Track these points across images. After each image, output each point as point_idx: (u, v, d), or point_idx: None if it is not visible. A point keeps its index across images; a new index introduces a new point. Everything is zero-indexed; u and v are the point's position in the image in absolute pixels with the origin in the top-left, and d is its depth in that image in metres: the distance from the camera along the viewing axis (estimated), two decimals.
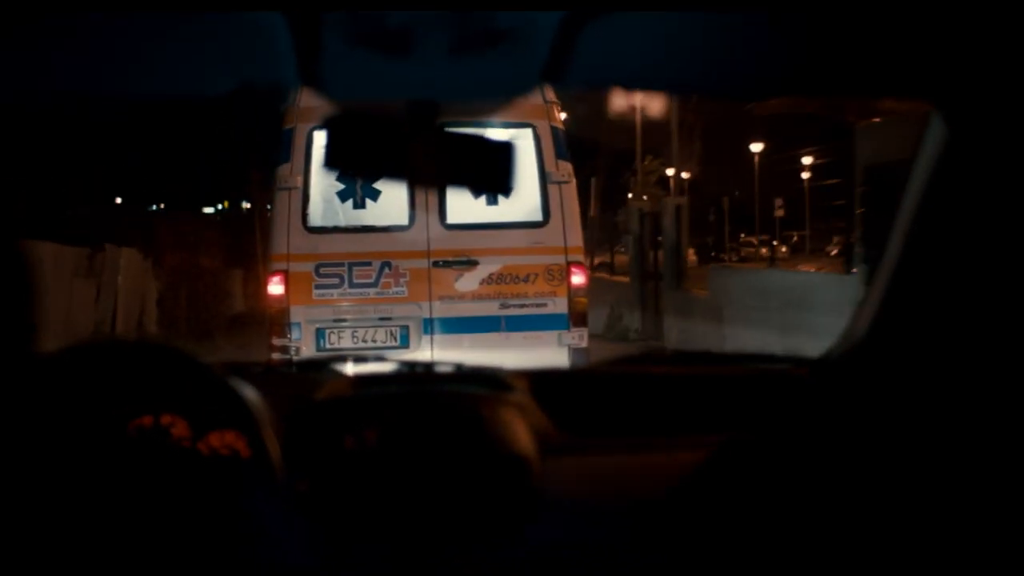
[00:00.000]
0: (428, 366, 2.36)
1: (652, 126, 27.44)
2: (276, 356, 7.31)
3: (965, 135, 1.66)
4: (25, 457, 1.53)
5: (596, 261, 24.45)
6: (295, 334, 7.37)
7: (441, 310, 7.48)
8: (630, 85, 1.69)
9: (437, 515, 1.73)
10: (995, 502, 1.52)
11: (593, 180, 24.96)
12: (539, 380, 2.03)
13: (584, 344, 7.53)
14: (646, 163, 29.50)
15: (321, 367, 2.32)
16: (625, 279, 19.90)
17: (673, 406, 2.01)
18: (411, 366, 2.34)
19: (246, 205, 36.14)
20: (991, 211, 1.67)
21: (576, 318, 7.54)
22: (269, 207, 7.75)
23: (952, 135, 1.68)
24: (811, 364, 2.11)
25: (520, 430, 1.80)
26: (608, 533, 1.74)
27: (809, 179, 48.25)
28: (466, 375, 2.13)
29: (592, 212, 24.09)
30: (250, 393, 1.71)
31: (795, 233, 55.87)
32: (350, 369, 2.21)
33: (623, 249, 23.15)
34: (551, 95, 7.55)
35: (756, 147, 42.42)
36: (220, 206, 38.66)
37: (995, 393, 1.64)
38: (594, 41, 1.29)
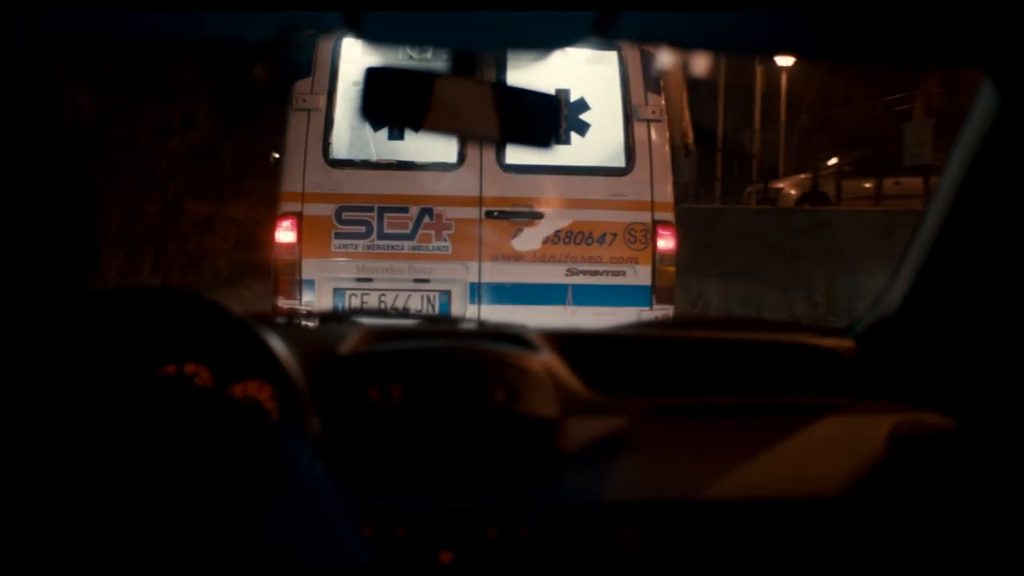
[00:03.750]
0: (452, 321, 2.38)
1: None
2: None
3: (1016, 104, 1.72)
4: (45, 406, 1.37)
5: None
6: (308, 295, 5.85)
7: (493, 273, 5.95)
8: (679, 42, 1.72)
9: (460, 470, 1.78)
10: None
11: None
12: (566, 340, 2.04)
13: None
14: None
15: (344, 319, 2.36)
16: None
17: (702, 370, 2.04)
18: (434, 321, 2.49)
19: None
20: None
21: (661, 292, 6.01)
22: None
23: (1003, 104, 1.74)
24: (847, 333, 2.12)
25: (544, 388, 1.84)
26: (632, 491, 1.81)
27: None
28: (491, 332, 2.14)
29: None
30: (277, 344, 1.73)
31: None
32: (374, 323, 2.19)
33: None
34: None
35: None
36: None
37: None
38: None
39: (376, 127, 5.86)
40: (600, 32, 1.37)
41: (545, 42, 1.51)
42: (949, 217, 1.90)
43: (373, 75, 1.51)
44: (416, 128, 1.55)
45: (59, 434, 1.41)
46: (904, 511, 1.80)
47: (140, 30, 1.57)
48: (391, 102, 1.53)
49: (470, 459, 1.79)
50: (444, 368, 1.85)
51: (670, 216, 6.04)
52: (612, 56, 5.97)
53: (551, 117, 1.64)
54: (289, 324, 2.23)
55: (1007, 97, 1.74)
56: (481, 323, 2.24)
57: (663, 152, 6.01)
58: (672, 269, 6.03)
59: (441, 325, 2.34)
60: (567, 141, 5.95)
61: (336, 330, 2.07)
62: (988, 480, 1.76)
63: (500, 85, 1.52)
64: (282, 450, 1.52)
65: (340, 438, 1.73)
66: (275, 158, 7.30)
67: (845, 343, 2.11)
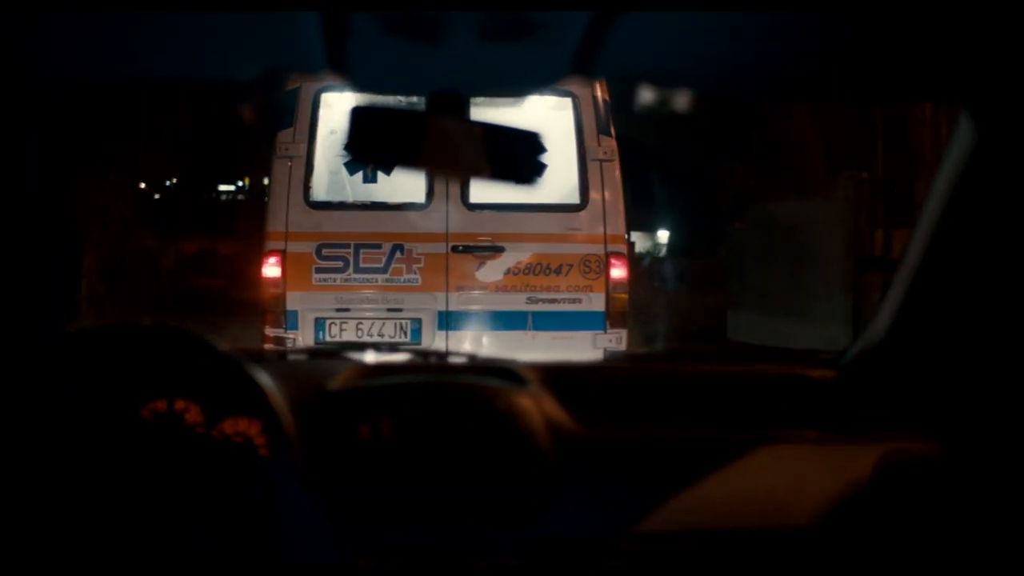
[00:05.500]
0: (442, 356, 2.37)
1: None
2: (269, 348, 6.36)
3: (994, 136, 1.73)
4: (38, 439, 1.52)
5: None
6: (291, 324, 6.41)
7: (459, 302, 6.51)
8: (660, 79, 1.68)
9: (450, 504, 1.78)
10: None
11: None
12: (554, 373, 2.04)
13: (622, 348, 6.55)
14: None
15: (335, 355, 2.31)
16: None
17: (688, 403, 2.03)
18: (425, 356, 2.40)
19: (267, 182, 35.38)
20: (1018, 211, 1.75)
21: (615, 318, 6.55)
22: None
23: (980, 136, 1.75)
24: (834, 364, 2.12)
25: (534, 422, 1.84)
26: (620, 523, 1.80)
27: None
28: (481, 366, 2.14)
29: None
30: (266, 380, 1.73)
31: None
32: (364, 358, 2.20)
33: None
34: None
35: None
36: (240, 183, 37.87)
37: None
38: (625, 33, 1.27)
39: (357, 167, 6.45)
40: (580, 71, 1.38)
41: (527, 81, 1.51)
42: (931, 247, 1.91)
43: (358, 114, 1.51)
44: (402, 165, 1.58)
45: (43, 468, 1.48)
46: (890, 540, 1.79)
47: (124, 71, 1.56)
48: (376, 141, 1.54)
49: (460, 493, 1.78)
50: (434, 403, 1.85)
51: (622, 248, 6.59)
52: (567, 102, 6.54)
53: (535, 154, 1.63)
54: (279, 359, 2.26)
55: (984, 130, 1.75)
56: (471, 357, 2.27)
57: (615, 189, 6.57)
58: (625, 296, 6.57)
59: (431, 360, 2.32)
60: None
61: (326, 365, 2.09)
62: (974, 508, 1.76)
63: (485, 124, 1.53)
64: (269, 486, 1.57)
65: (331, 473, 1.73)
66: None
67: (833, 373, 2.11)
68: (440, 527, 1.78)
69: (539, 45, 1.29)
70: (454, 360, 2.28)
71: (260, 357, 1.94)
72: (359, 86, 1.44)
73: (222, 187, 37.00)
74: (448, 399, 1.86)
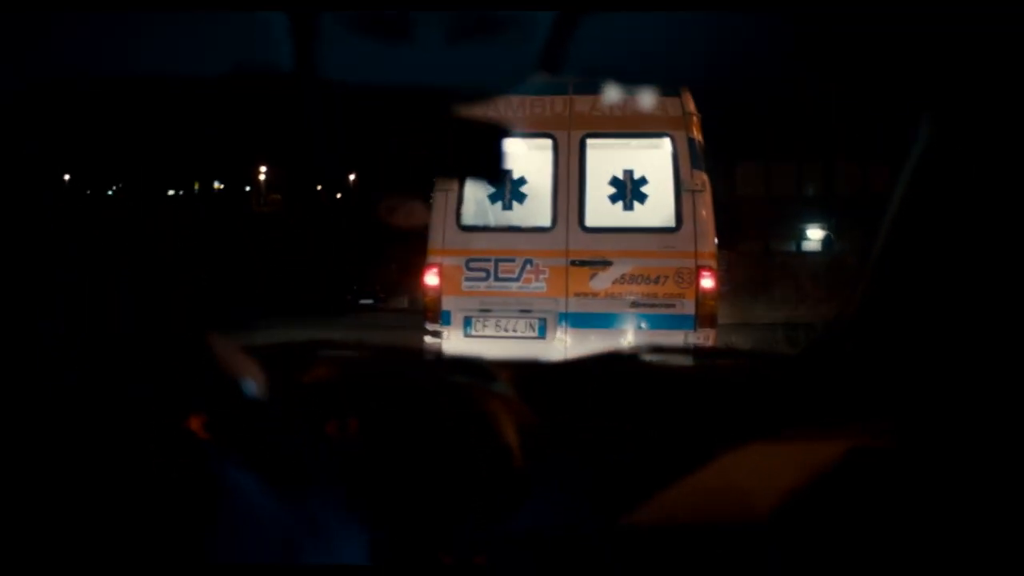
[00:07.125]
0: (414, 353, 2.42)
1: None
2: (429, 340, 8.13)
3: (951, 135, 1.77)
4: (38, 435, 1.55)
5: None
6: (446, 320, 8.14)
7: (576, 306, 8.13)
8: (627, 77, 1.73)
9: (421, 501, 1.76)
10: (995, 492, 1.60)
11: None
12: (522, 371, 2.10)
13: (710, 343, 8.02)
14: None
15: (313, 349, 2.26)
16: None
17: (651, 399, 2.03)
18: (394, 352, 2.38)
19: (218, 185, 35.37)
20: (972, 204, 1.76)
21: (703, 319, 8.04)
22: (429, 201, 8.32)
23: (938, 135, 1.79)
24: (805, 356, 2.18)
25: (504, 420, 1.84)
26: (585, 521, 1.78)
27: None
28: (451, 364, 2.22)
29: None
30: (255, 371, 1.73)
31: None
32: (336, 353, 2.22)
33: None
34: (691, 106, 8.10)
35: None
36: (194, 187, 38.14)
37: (979, 374, 1.74)
38: (591, 31, 1.33)
39: (498, 197, 8.14)
40: (547, 68, 1.40)
41: (494, 79, 1.52)
42: (895, 242, 1.93)
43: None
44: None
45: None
46: (851, 533, 1.74)
47: (90, 70, 1.54)
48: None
49: (425, 489, 1.77)
50: (402, 400, 1.85)
51: (711, 262, 8.09)
52: (666, 141, 8.09)
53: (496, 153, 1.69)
54: (253, 351, 2.14)
55: (943, 133, 1.79)
56: (439, 355, 2.45)
57: (705, 215, 8.06)
58: (713, 303, 8.08)
59: (400, 355, 2.31)
60: (631, 208, 8.04)
61: (300, 359, 2.06)
62: (937, 502, 1.72)
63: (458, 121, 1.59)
64: (217, 479, 1.59)
65: (298, 470, 1.69)
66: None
67: (799, 365, 2.12)
68: (403, 524, 1.75)
69: (506, 44, 1.31)
70: (425, 357, 2.32)
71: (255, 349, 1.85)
72: (327, 85, 1.45)
73: (170, 191, 37.41)
74: (415, 396, 1.87)
